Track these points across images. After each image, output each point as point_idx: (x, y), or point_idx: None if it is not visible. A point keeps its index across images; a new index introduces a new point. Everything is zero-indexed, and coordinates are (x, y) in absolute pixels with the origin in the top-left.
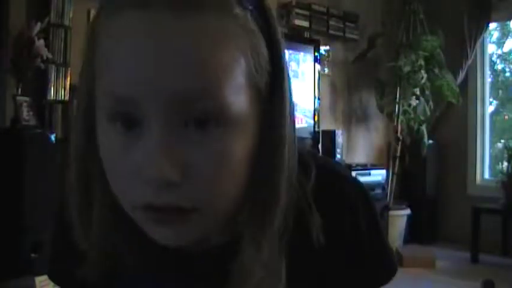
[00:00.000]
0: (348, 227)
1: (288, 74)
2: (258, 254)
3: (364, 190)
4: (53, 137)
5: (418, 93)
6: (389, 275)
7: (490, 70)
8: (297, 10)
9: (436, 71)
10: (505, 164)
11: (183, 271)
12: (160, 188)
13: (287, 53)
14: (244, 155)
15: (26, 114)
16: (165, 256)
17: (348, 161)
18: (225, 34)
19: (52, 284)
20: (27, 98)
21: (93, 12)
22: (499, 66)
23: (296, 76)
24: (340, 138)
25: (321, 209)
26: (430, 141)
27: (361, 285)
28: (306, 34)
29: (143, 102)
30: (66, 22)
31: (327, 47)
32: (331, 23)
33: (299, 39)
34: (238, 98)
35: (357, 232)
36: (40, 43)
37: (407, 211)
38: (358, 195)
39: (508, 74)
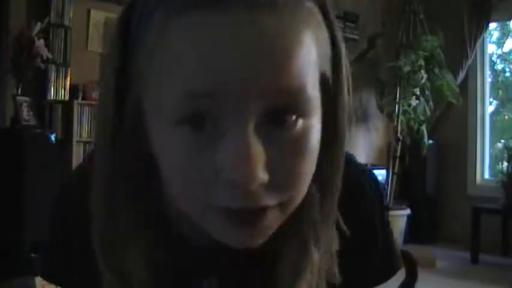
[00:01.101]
0: (363, 223)
1: (344, 55)
2: (315, 234)
3: (380, 189)
4: (53, 137)
5: (418, 93)
6: (394, 271)
7: (490, 70)
8: None
9: (436, 71)
10: (505, 164)
11: (200, 262)
12: (249, 191)
13: None
14: (318, 141)
15: (26, 114)
16: (207, 258)
17: None
18: (303, 28)
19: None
20: (27, 98)
21: (93, 12)
22: (499, 66)
23: None
24: None
25: (343, 203)
26: (430, 141)
27: (366, 278)
28: None
29: (227, 98)
30: (66, 22)
31: None
32: None
33: None
34: (315, 88)
35: (371, 230)
36: (40, 43)
37: (407, 211)
38: (375, 194)
39: (508, 74)
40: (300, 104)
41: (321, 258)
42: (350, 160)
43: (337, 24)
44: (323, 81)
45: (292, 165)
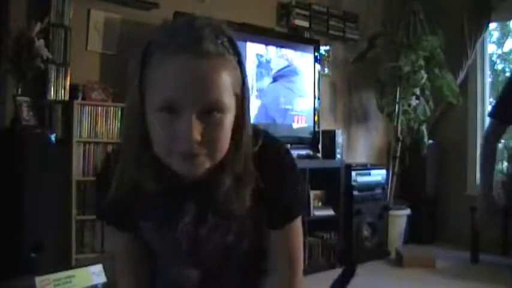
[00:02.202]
0: (275, 172)
1: (248, 86)
2: (232, 174)
3: (288, 151)
4: (53, 137)
5: (418, 93)
6: (298, 209)
7: (490, 70)
8: (297, 10)
9: (436, 71)
10: (505, 164)
11: (184, 192)
12: (191, 144)
13: (287, 52)
14: (230, 126)
15: (26, 114)
16: (173, 183)
17: (348, 161)
18: (225, 69)
19: (52, 283)
20: (27, 98)
21: (93, 12)
22: (499, 66)
23: (296, 76)
24: (340, 138)
25: (263, 161)
26: (430, 141)
27: (277, 212)
28: (306, 34)
29: (182, 103)
30: (66, 22)
31: (327, 47)
32: (331, 23)
33: (299, 39)
34: (229, 98)
35: (282, 176)
36: (40, 43)
37: (407, 211)
38: (285, 154)
39: (508, 74)
40: (220, 107)
41: (246, 187)
42: (265, 134)
43: (245, 67)
44: (236, 97)
45: (215, 135)
